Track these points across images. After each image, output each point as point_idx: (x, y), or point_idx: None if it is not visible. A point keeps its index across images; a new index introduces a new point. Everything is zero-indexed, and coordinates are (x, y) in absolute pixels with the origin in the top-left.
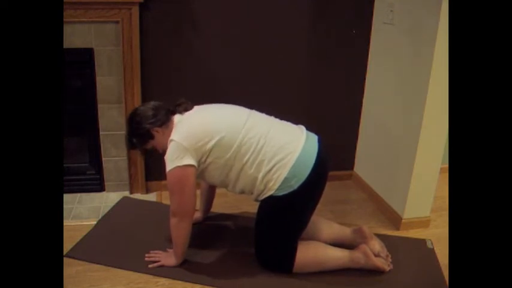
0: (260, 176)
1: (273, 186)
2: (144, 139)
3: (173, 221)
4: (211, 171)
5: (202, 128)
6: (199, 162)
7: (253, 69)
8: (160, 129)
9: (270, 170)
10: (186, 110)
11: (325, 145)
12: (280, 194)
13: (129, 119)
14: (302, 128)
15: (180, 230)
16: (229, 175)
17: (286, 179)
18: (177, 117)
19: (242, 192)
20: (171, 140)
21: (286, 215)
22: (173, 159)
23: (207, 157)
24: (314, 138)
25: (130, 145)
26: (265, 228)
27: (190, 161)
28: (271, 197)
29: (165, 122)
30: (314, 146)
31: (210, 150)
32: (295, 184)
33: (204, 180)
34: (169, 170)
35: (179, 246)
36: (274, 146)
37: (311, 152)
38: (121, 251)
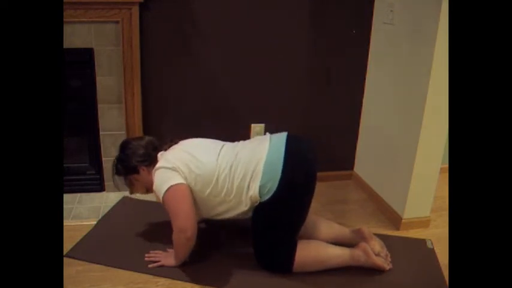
0: (243, 197)
1: (257, 197)
2: (129, 172)
3: (179, 238)
4: (199, 204)
5: (183, 163)
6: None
7: (253, 69)
8: (146, 168)
9: (249, 185)
10: (170, 146)
11: (298, 139)
12: (265, 199)
13: (120, 148)
14: (267, 135)
15: (187, 246)
16: (216, 208)
17: (262, 186)
18: (160, 153)
19: (239, 216)
20: (157, 169)
21: (278, 216)
22: (163, 183)
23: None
24: (280, 137)
25: (116, 170)
26: (261, 232)
27: (180, 180)
28: (260, 204)
29: (152, 162)
30: (280, 145)
31: (189, 184)
32: (273, 186)
33: (201, 215)
34: (163, 194)
35: (181, 255)
36: (244, 163)
37: (277, 151)
38: (121, 251)
